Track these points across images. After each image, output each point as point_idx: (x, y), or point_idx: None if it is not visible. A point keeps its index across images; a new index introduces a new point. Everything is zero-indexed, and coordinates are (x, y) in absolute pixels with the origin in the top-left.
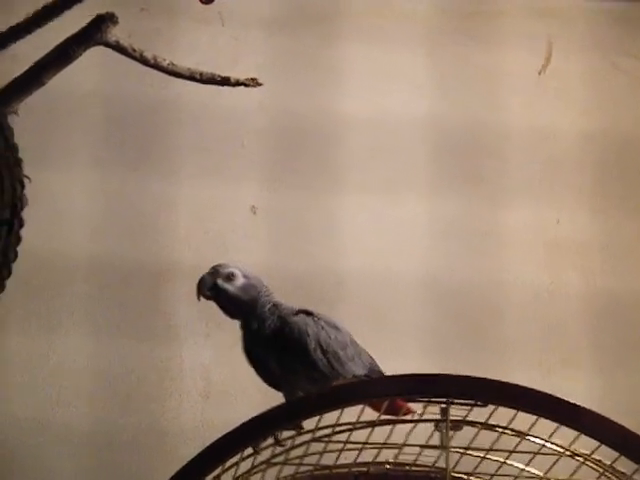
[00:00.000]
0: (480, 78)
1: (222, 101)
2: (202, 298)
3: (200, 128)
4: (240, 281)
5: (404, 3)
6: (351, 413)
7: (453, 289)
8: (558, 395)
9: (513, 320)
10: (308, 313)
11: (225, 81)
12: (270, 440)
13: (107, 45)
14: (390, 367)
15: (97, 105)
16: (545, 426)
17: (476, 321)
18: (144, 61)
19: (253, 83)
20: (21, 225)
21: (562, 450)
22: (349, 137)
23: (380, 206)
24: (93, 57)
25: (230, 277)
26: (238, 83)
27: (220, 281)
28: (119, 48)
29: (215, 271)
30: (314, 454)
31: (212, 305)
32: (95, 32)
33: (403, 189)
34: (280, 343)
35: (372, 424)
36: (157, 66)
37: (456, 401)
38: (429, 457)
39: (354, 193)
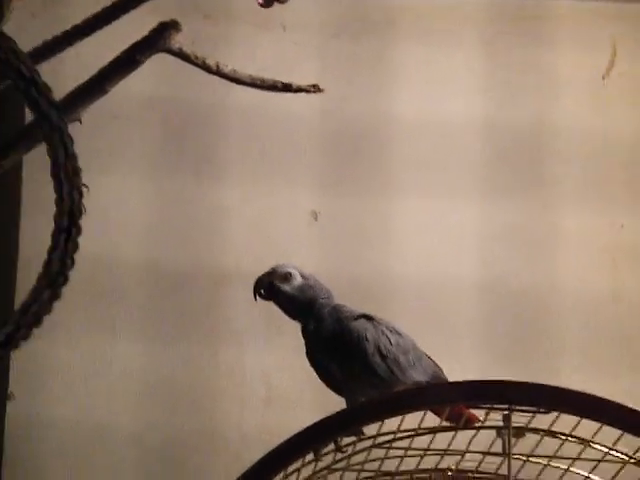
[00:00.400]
0: (540, 81)
1: (281, 106)
2: (259, 299)
3: (259, 134)
4: (297, 281)
5: (462, 6)
6: (412, 419)
7: (511, 293)
8: (624, 402)
9: (574, 325)
10: (369, 318)
11: (287, 88)
12: (331, 446)
13: (170, 52)
14: (447, 372)
15: (156, 111)
16: (609, 433)
17: (535, 326)
18: (207, 68)
19: (315, 89)
20: (79, 233)
21: (627, 458)
22: (407, 141)
23: (438, 210)
24: (153, 63)
25: (287, 277)
26: (300, 89)
27: (277, 281)
28: (182, 55)
29: (272, 271)
30: (375, 460)
31: (272, 310)
32: (159, 39)
33: (460, 193)
34: (339, 347)
35: (434, 430)
36: (220, 73)
37: (518, 408)
38: (491, 464)
39: (412, 197)
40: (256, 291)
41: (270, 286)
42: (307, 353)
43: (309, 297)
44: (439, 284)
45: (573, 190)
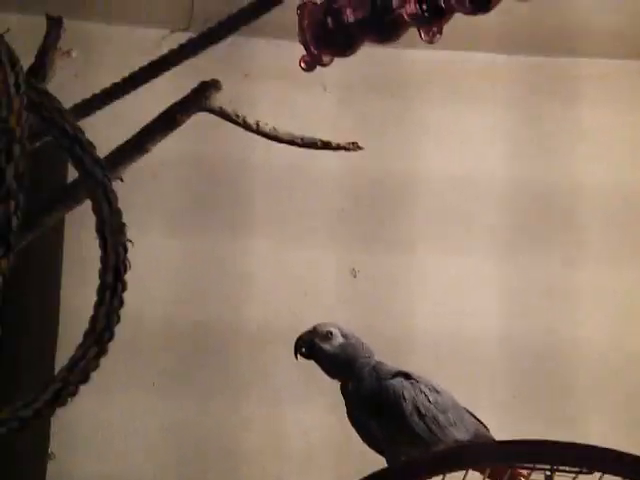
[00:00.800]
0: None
1: (315, 163)
2: (300, 357)
3: (295, 191)
4: (338, 340)
5: (494, 66)
6: (454, 478)
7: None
8: None
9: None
10: (407, 376)
11: (326, 145)
12: None
13: (211, 111)
14: None
15: (194, 170)
16: None
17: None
18: (247, 127)
19: (354, 147)
20: (124, 289)
21: None
22: (435, 197)
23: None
24: (193, 122)
25: (328, 336)
26: (339, 147)
27: (317, 340)
28: (223, 114)
29: (313, 330)
30: None
31: (312, 368)
32: (199, 99)
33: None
34: (378, 406)
35: None
36: (260, 132)
37: (561, 468)
38: None
39: (438, 252)
40: (297, 350)
41: (311, 344)
42: (347, 412)
43: (350, 356)
44: (462, 338)
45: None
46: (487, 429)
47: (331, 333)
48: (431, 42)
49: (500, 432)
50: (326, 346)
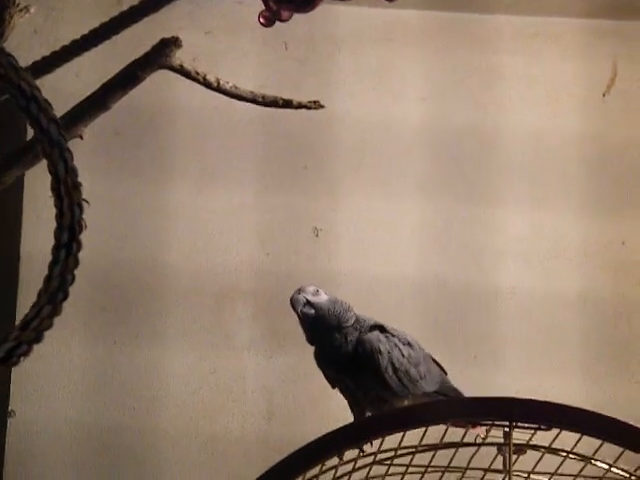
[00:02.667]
0: (541, 98)
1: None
2: (306, 314)
3: (258, 145)
4: (325, 296)
5: (467, 23)
6: (413, 436)
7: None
8: (624, 418)
9: (578, 338)
10: (382, 329)
11: (288, 104)
12: (332, 463)
13: (171, 69)
14: None
15: (159, 126)
16: (610, 450)
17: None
18: (208, 84)
19: (315, 106)
20: (79, 248)
21: (627, 475)
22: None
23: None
24: (155, 79)
25: (316, 293)
26: (301, 106)
27: (310, 297)
28: (183, 72)
29: (302, 289)
30: (376, 477)
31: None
32: (160, 56)
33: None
34: (356, 360)
35: (435, 447)
36: (220, 89)
37: (519, 425)
38: None
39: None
40: (296, 309)
41: (306, 301)
42: (320, 366)
43: (338, 310)
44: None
45: (577, 206)
46: (447, 375)
47: (317, 291)
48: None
49: None
50: (319, 301)
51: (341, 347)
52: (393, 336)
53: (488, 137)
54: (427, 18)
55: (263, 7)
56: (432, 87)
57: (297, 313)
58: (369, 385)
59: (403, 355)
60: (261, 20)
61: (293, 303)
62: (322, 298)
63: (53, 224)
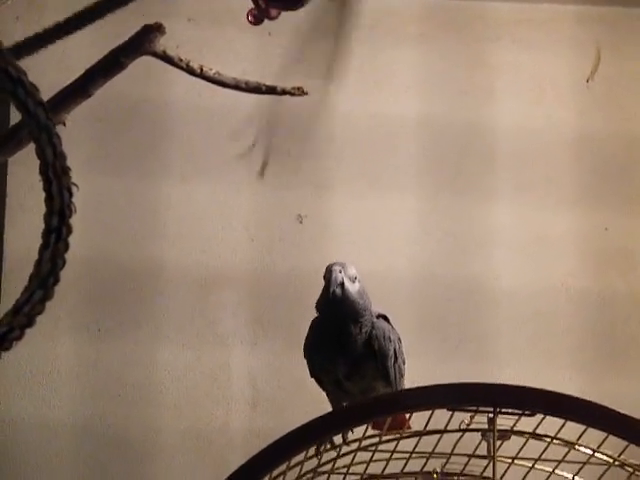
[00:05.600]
0: (526, 86)
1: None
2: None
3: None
4: (357, 285)
5: (441, 9)
6: None
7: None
8: (607, 402)
9: (561, 326)
10: (386, 318)
11: (271, 90)
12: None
13: (154, 55)
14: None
15: (142, 114)
16: (594, 435)
17: (533, 328)
18: (191, 71)
19: (299, 92)
20: (69, 232)
21: (611, 460)
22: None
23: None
24: (138, 66)
25: (353, 280)
26: (284, 92)
27: (347, 282)
28: (166, 58)
29: (344, 268)
30: (361, 463)
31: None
32: (143, 42)
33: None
34: (364, 348)
35: (419, 433)
36: (203, 76)
37: (503, 410)
38: (477, 467)
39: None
40: (331, 287)
41: (341, 284)
42: (312, 348)
43: (364, 302)
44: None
45: (560, 194)
46: None
47: (356, 278)
48: None
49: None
50: (352, 289)
51: (352, 335)
52: (393, 328)
53: (472, 125)
54: (411, 5)
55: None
56: (415, 75)
57: (329, 287)
58: (368, 374)
59: (401, 349)
60: (250, 18)
61: (330, 277)
62: (355, 287)
63: (37, 212)
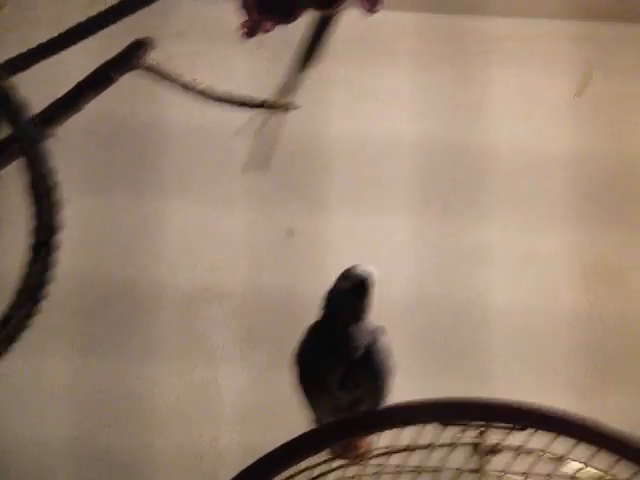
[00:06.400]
0: (513, 102)
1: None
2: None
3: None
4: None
5: (435, 26)
6: (387, 436)
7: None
8: (598, 419)
9: (552, 344)
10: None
11: (260, 105)
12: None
13: (145, 69)
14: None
15: (131, 130)
16: (585, 449)
17: (521, 346)
18: (182, 85)
19: (290, 106)
20: (57, 247)
21: (602, 474)
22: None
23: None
24: (129, 81)
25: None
26: (274, 106)
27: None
28: (156, 72)
29: (369, 275)
30: (352, 478)
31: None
32: (133, 56)
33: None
34: (363, 359)
35: (409, 448)
36: (195, 90)
37: (494, 425)
38: None
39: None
40: (370, 285)
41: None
42: (306, 353)
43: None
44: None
45: (548, 211)
46: None
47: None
48: (372, 11)
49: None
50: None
51: (357, 341)
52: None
53: (463, 141)
54: (401, 20)
55: (240, 11)
56: (405, 90)
57: (364, 280)
58: (361, 386)
59: (393, 364)
60: (243, 31)
61: (369, 277)
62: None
63: (26, 228)
